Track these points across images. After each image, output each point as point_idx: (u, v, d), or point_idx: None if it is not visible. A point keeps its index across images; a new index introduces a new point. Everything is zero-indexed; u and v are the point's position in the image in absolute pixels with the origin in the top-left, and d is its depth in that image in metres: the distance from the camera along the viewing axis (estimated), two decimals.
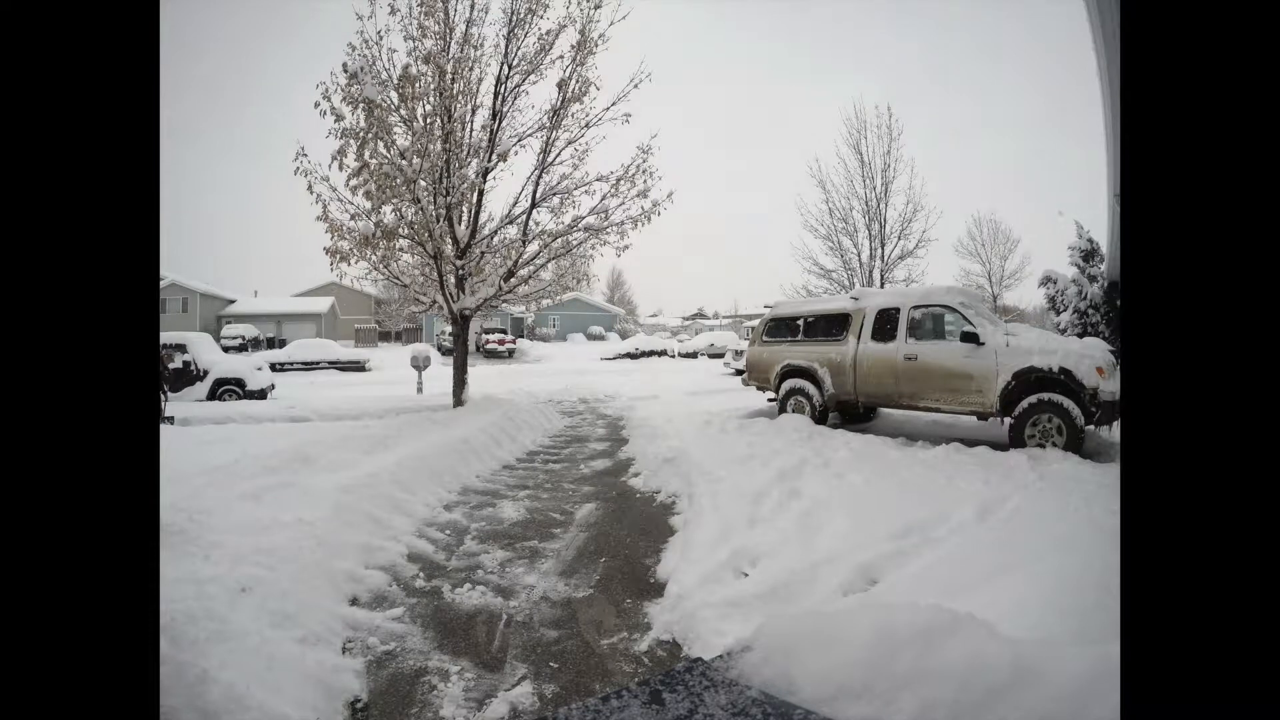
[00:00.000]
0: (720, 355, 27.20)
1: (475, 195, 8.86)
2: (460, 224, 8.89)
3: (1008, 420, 6.13)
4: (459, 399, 9.46)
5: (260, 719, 1.97)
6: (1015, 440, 5.96)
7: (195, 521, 3.24)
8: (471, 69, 8.56)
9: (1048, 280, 14.20)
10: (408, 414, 8.74)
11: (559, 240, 9.13)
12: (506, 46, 8.75)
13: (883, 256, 16.88)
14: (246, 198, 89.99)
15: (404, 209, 7.94)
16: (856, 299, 7.76)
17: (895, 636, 2.06)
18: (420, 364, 13.60)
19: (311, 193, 7.73)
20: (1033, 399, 5.90)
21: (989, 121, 77.43)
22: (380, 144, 7.57)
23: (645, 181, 8.82)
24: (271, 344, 33.55)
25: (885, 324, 7.19)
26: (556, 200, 9.12)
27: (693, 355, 30.44)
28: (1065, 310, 13.40)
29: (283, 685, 2.18)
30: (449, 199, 8.26)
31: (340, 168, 7.56)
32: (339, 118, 7.50)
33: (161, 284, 33.06)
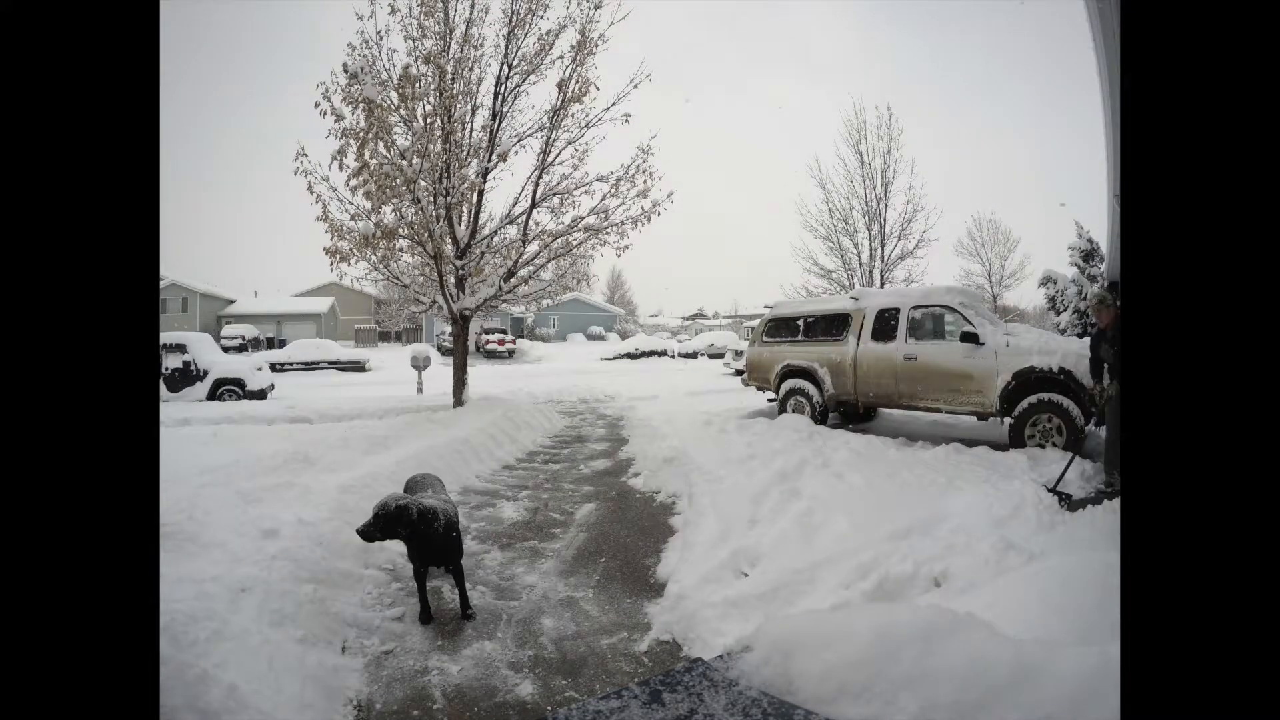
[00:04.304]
0: (720, 355, 27.20)
1: (475, 195, 8.86)
2: (460, 224, 8.89)
3: (1008, 420, 6.13)
4: (459, 399, 9.46)
5: (260, 719, 1.97)
6: (1015, 440, 5.96)
7: (195, 521, 3.24)
8: (471, 69, 8.56)
9: (1048, 280, 14.22)
10: (407, 414, 8.74)
11: (559, 240, 9.13)
12: (506, 47, 8.75)
13: (883, 256, 16.87)
14: (246, 198, 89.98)
15: (404, 209, 7.94)
16: (856, 299, 7.76)
17: (895, 636, 2.06)
18: (420, 364, 13.61)
19: (311, 193, 7.74)
20: (1033, 399, 5.90)
21: (989, 121, 77.40)
22: (380, 144, 7.57)
23: (645, 182, 8.82)
24: (271, 344, 33.54)
25: (885, 324, 7.19)
26: (556, 200, 9.12)
27: (693, 355, 30.44)
28: (1065, 310, 13.42)
29: (283, 685, 2.18)
30: (449, 199, 8.26)
31: (340, 168, 7.56)
32: (339, 118, 7.50)
33: (161, 284, 33.06)
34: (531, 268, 9.39)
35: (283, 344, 31.13)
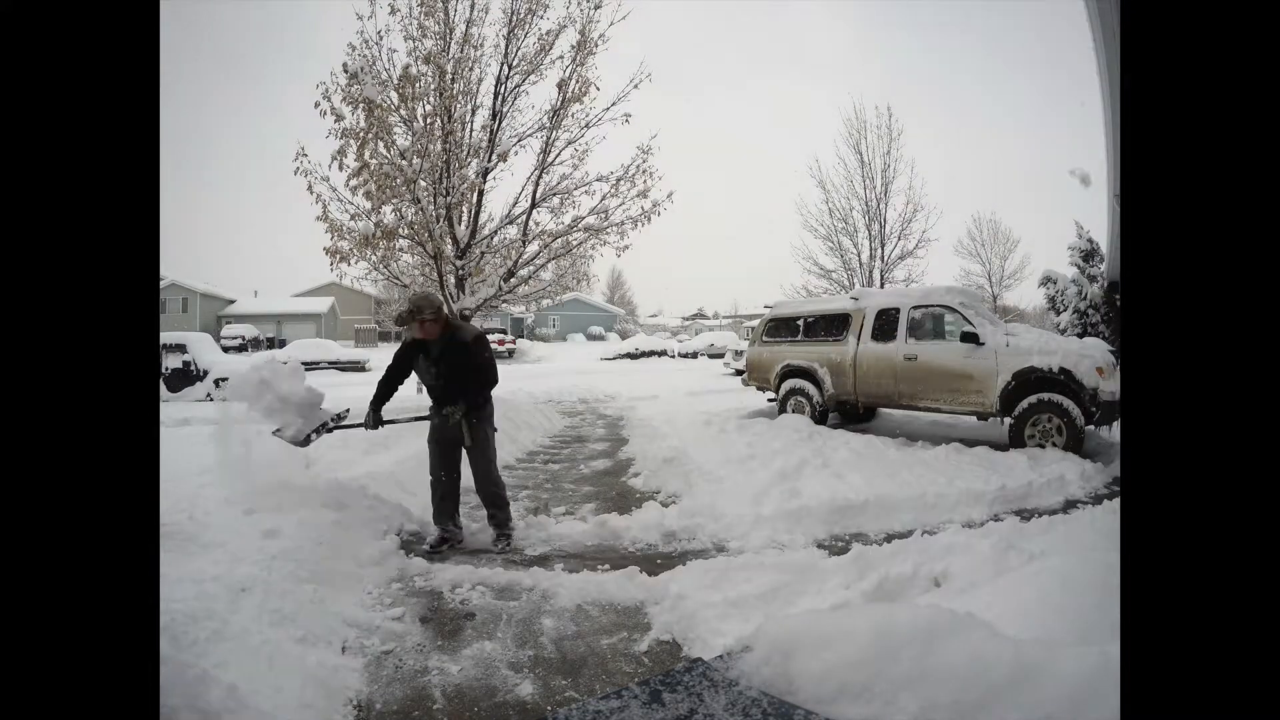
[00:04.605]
0: (720, 355, 27.20)
1: (475, 195, 8.86)
2: (460, 224, 8.89)
3: (1008, 420, 6.13)
4: None
5: (260, 719, 1.96)
6: (1015, 440, 5.96)
7: (195, 521, 3.24)
8: (471, 69, 8.56)
9: (1048, 280, 14.21)
10: (407, 414, 8.72)
11: (559, 240, 9.13)
12: (506, 47, 8.75)
13: (883, 256, 16.88)
14: (246, 198, 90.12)
15: (404, 209, 7.94)
16: (856, 299, 7.77)
17: (895, 636, 2.06)
18: None
19: (311, 193, 7.74)
20: (1033, 399, 5.90)
21: (989, 121, 77.57)
22: (380, 144, 7.57)
23: (645, 182, 8.82)
24: (271, 344, 33.54)
25: (885, 324, 7.19)
26: (556, 200, 9.12)
27: (692, 355, 30.45)
28: (1065, 310, 13.41)
29: (283, 685, 2.18)
30: (449, 199, 8.25)
31: (340, 168, 7.56)
32: (339, 118, 7.50)
33: (161, 284, 33.07)
34: (531, 268, 9.39)
35: (283, 344, 31.11)
